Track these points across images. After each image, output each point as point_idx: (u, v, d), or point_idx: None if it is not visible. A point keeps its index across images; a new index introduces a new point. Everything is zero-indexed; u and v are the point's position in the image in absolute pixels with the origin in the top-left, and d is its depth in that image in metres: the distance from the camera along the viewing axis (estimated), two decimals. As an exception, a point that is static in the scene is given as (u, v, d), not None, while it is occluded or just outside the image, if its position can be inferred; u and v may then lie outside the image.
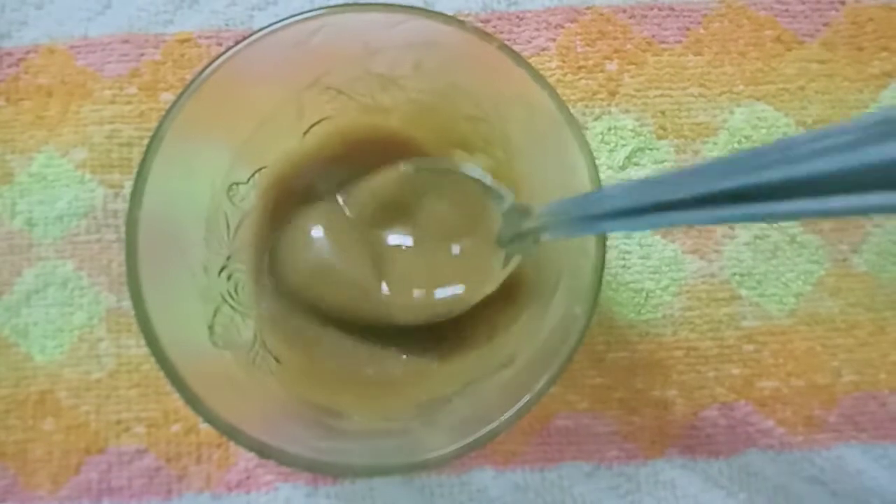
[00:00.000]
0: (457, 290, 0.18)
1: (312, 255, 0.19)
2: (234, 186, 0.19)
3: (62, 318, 0.21)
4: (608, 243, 0.22)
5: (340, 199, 0.19)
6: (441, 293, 0.18)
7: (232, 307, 0.18)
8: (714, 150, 0.22)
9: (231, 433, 0.15)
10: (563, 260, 0.17)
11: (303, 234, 0.19)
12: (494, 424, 0.15)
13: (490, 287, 0.18)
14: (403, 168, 0.18)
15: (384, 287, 0.18)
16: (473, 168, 0.18)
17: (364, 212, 0.19)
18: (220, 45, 0.23)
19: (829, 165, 0.09)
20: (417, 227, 0.19)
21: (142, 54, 0.23)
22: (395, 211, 0.19)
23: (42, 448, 0.20)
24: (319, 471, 0.18)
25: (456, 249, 0.18)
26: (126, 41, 0.23)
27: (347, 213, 0.19)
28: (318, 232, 0.19)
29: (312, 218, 0.19)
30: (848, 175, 0.09)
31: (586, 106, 0.22)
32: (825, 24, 0.23)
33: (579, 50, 0.23)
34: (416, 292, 0.18)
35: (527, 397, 0.15)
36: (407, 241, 0.19)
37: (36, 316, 0.21)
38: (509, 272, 0.17)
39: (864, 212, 0.10)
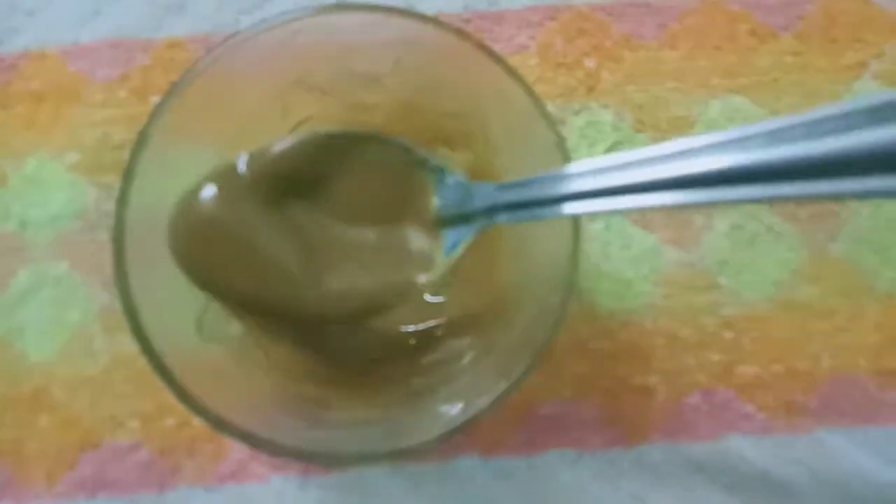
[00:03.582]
0: (390, 278, 0.15)
1: (225, 238, 0.15)
2: (221, 185, 0.19)
3: (56, 317, 0.21)
4: (589, 235, 0.22)
5: (241, 169, 0.16)
6: (371, 281, 0.15)
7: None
8: (692, 142, 0.23)
9: (219, 425, 0.15)
10: (540, 250, 0.17)
11: (203, 208, 0.15)
12: (476, 411, 0.15)
13: (431, 275, 0.16)
14: (313, 135, 0.16)
15: (308, 274, 0.15)
16: (398, 137, 0.16)
17: (268, 184, 0.16)
18: (207, 48, 0.23)
19: (821, 148, 0.09)
20: (336, 203, 0.16)
21: (131, 59, 0.23)
22: (308, 185, 0.16)
23: (37, 444, 0.21)
24: (308, 460, 0.19)
25: (385, 231, 0.16)
26: (116, 46, 0.23)
27: (247, 185, 0.16)
28: (222, 204, 0.15)
29: (211, 188, 0.15)
30: (840, 158, 0.09)
31: (566, 101, 0.23)
32: (799, 17, 0.23)
33: (559, 47, 0.23)
34: (344, 280, 0.15)
35: (505, 384, 0.15)
36: (325, 221, 0.16)
37: (30, 315, 0.21)
38: (455, 258, 0.15)
39: (859, 196, 0.09)
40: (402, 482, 0.21)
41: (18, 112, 0.23)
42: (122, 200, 0.16)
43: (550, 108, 0.22)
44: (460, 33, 0.17)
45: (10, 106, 0.23)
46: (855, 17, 0.23)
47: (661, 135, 0.23)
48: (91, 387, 0.21)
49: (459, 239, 0.15)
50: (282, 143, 0.16)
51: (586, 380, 0.21)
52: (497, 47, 0.23)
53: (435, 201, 0.16)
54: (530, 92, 0.16)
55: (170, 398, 0.21)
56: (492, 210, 0.15)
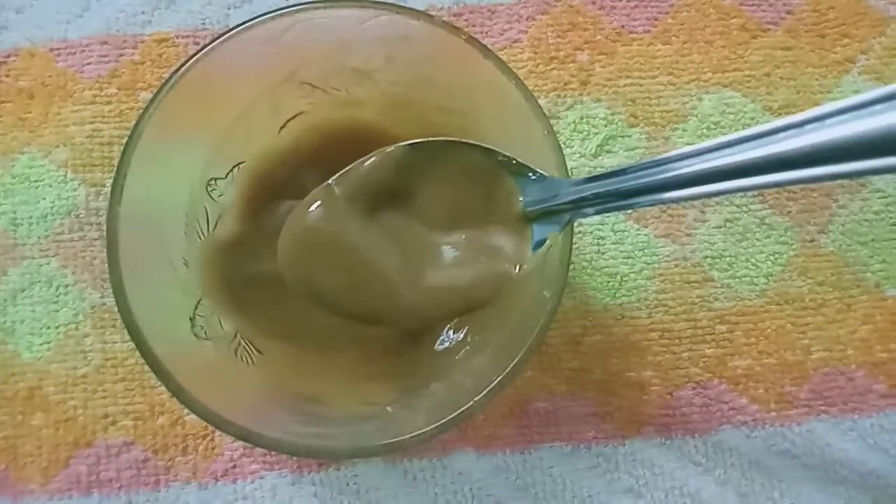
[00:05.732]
0: (484, 274, 0.16)
1: (330, 251, 0.17)
2: (213, 182, 0.19)
3: (48, 315, 0.21)
4: (582, 230, 0.22)
5: (336, 189, 0.17)
6: (467, 280, 0.16)
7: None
8: (684, 136, 0.23)
9: (215, 421, 0.15)
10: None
11: (311, 231, 0.17)
12: (468, 405, 0.15)
13: (525, 268, 0.16)
14: (395, 150, 0.17)
15: (407, 278, 0.17)
16: (479, 141, 0.16)
17: (362, 199, 0.17)
18: (197, 43, 0.23)
19: (833, 135, 0.11)
20: (426, 210, 0.17)
21: (121, 55, 0.23)
22: (399, 195, 0.17)
23: (32, 443, 0.21)
24: (302, 455, 0.19)
25: (476, 231, 0.17)
26: (105, 42, 0.23)
27: (343, 202, 0.17)
28: (326, 224, 0.17)
29: (316, 212, 0.17)
30: (849, 144, 0.10)
31: (558, 96, 0.23)
32: (788, 13, 0.24)
33: (551, 41, 0.23)
34: (441, 281, 0.17)
35: (498, 378, 0.15)
36: (418, 227, 0.17)
37: (22, 314, 0.21)
38: (545, 252, 0.16)
39: (865, 174, 0.11)
40: (397, 478, 0.21)
41: (8, 109, 0.23)
42: (115, 196, 0.16)
43: (543, 102, 0.23)
44: (452, 28, 0.17)
45: (0, 104, 0.23)
46: (843, 13, 0.24)
47: (655, 129, 0.23)
48: (84, 385, 0.21)
49: (548, 233, 0.16)
50: (368, 160, 0.17)
51: (580, 374, 0.21)
52: (488, 41, 0.23)
53: (520, 199, 0.16)
54: (522, 86, 0.16)
55: (162, 396, 0.21)
56: (577, 203, 0.15)
